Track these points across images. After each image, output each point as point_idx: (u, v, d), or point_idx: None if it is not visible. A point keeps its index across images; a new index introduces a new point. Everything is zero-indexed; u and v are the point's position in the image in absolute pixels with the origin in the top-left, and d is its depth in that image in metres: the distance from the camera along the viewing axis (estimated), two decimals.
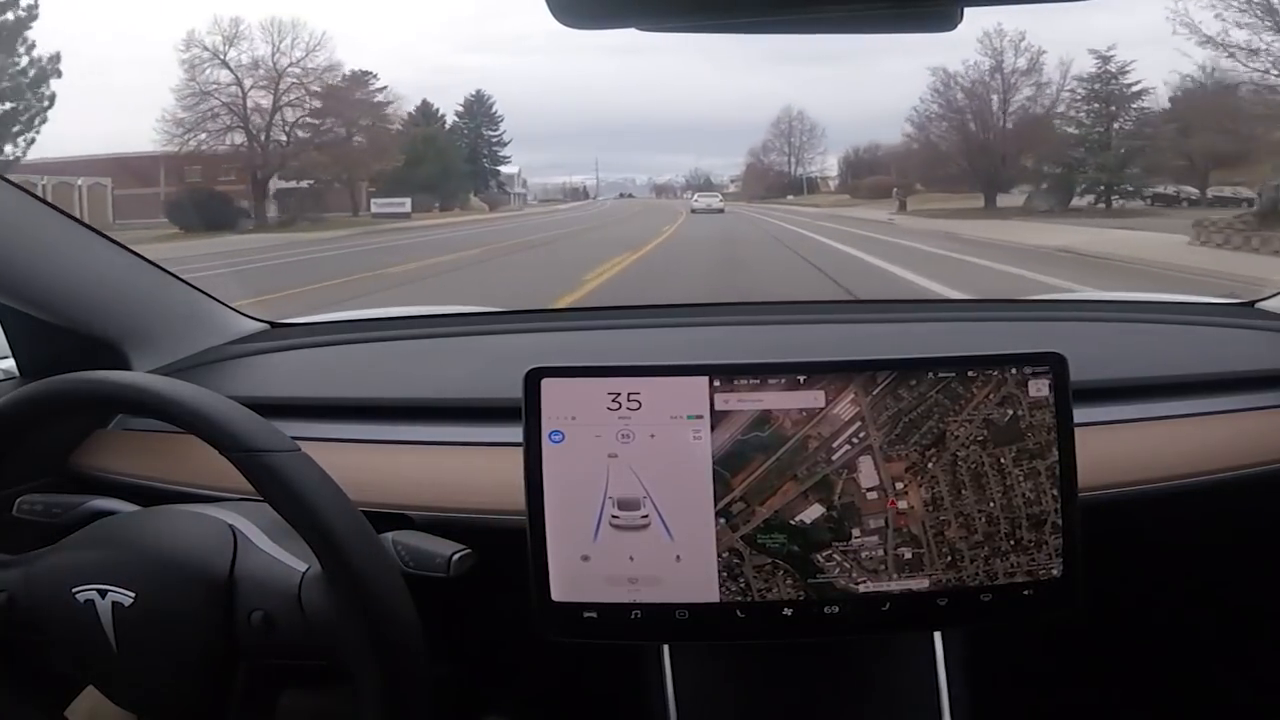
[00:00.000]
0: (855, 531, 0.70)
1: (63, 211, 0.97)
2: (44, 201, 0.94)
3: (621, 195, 18.52)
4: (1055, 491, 0.70)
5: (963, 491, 0.70)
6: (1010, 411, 0.70)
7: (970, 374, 0.70)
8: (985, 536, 0.70)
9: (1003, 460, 0.70)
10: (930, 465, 0.70)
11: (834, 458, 0.70)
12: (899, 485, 0.70)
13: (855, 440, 0.70)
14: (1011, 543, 0.70)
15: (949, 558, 0.70)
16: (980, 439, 0.70)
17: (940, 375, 0.70)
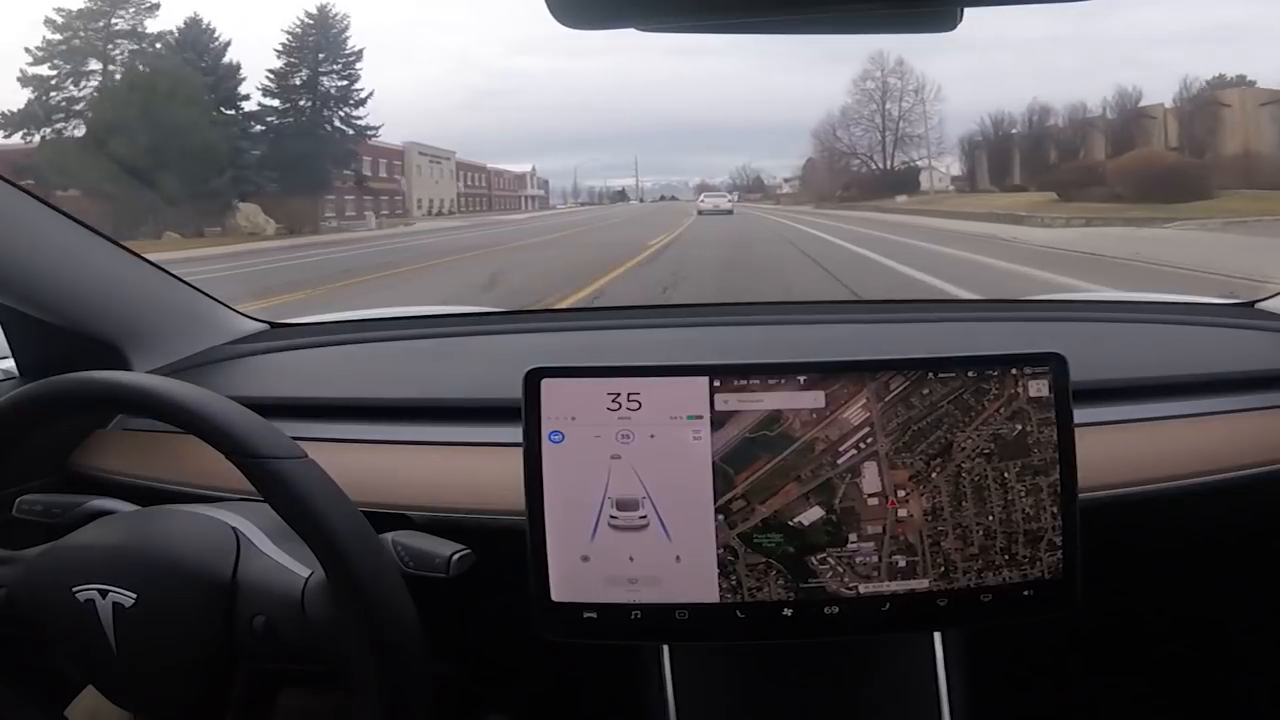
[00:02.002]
0: (852, 536, 0.70)
1: (63, 211, 0.97)
2: (44, 201, 0.94)
3: (663, 198, 18.07)
4: (1055, 509, 0.70)
5: (963, 503, 0.70)
6: (1019, 426, 0.70)
7: (981, 385, 0.70)
8: (980, 549, 0.70)
9: (1006, 475, 0.70)
10: (934, 475, 0.70)
11: (839, 461, 0.70)
12: (901, 493, 0.70)
13: (862, 445, 0.70)
14: (1006, 557, 0.70)
15: (942, 568, 0.70)
16: (986, 452, 0.70)
17: (950, 384, 0.70)
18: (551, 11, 0.46)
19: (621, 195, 18.54)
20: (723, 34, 0.59)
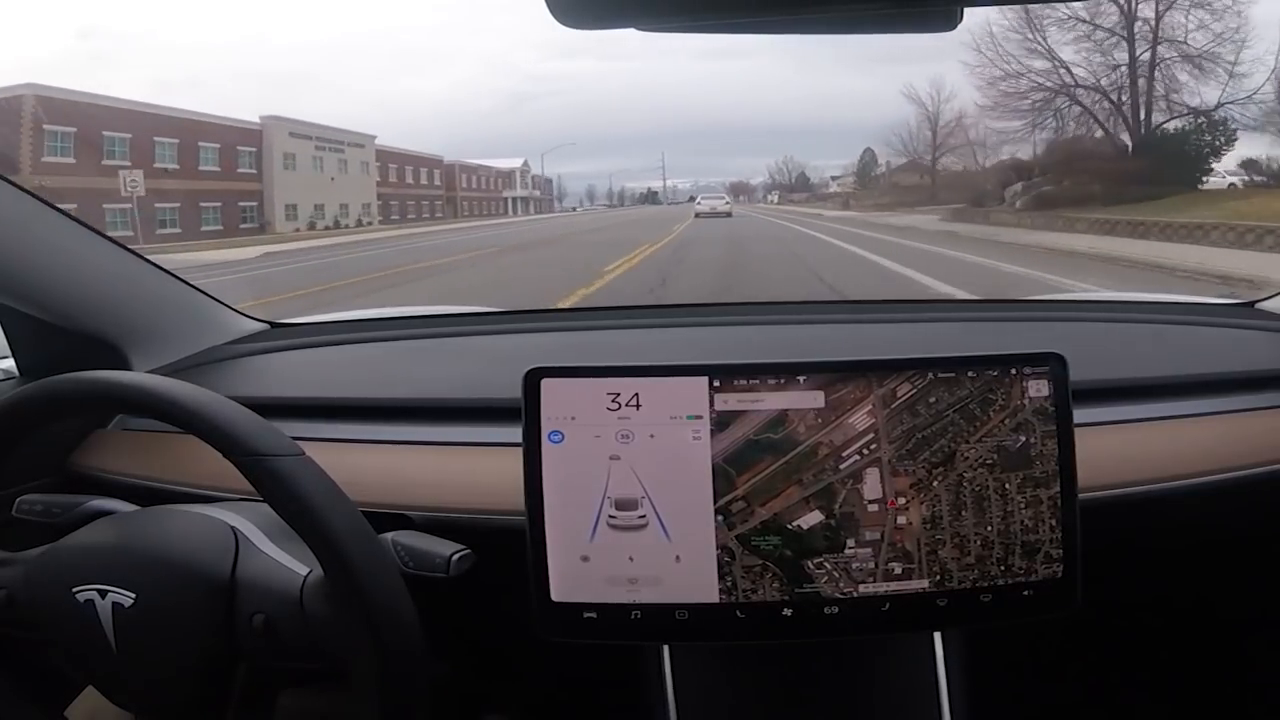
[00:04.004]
0: (850, 542, 0.70)
1: (63, 211, 0.97)
2: (44, 201, 0.94)
3: (691, 199, 17.26)
4: (1054, 521, 0.70)
5: (963, 512, 0.70)
6: (1023, 438, 0.70)
7: (988, 396, 0.70)
8: (977, 559, 0.70)
9: (1007, 485, 0.70)
10: (935, 483, 0.70)
11: (842, 466, 0.70)
12: (901, 500, 0.70)
13: (866, 451, 0.70)
14: (1002, 568, 0.70)
15: (937, 576, 0.70)
16: (989, 462, 0.70)
17: (957, 393, 0.70)
18: (551, 11, 0.46)
19: (651, 196, 17.85)
20: (722, 34, 0.59)
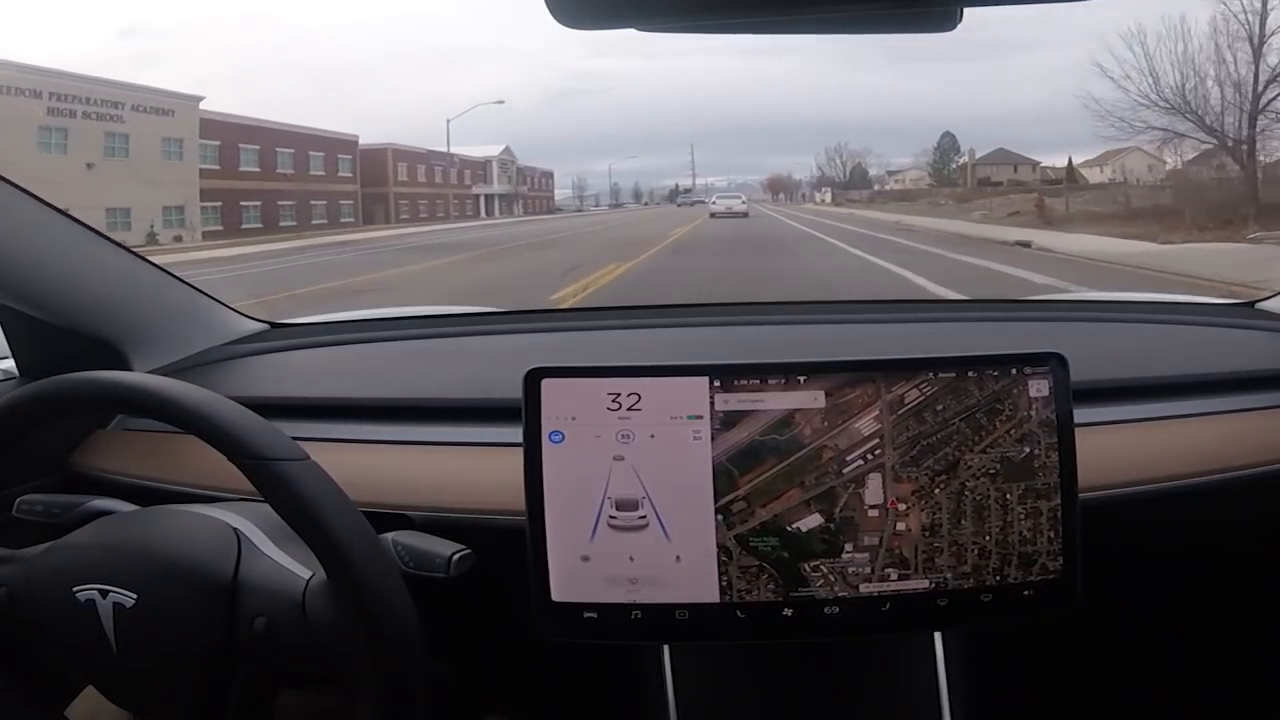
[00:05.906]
0: (848, 546, 0.70)
1: (63, 212, 0.97)
2: (44, 201, 0.94)
3: (720, 197, 17.43)
4: (1052, 533, 0.70)
5: (962, 521, 0.70)
6: (1027, 449, 0.70)
7: (995, 405, 0.70)
8: (973, 569, 0.70)
9: (1009, 496, 0.70)
10: (937, 491, 0.70)
11: (845, 471, 0.70)
12: (901, 506, 0.70)
13: (870, 457, 0.70)
14: (997, 578, 0.70)
15: (933, 583, 0.70)
16: (992, 472, 0.70)
17: (964, 402, 0.70)
18: (551, 11, 0.46)
19: (677, 193, 17.45)
20: (721, 34, 0.59)
